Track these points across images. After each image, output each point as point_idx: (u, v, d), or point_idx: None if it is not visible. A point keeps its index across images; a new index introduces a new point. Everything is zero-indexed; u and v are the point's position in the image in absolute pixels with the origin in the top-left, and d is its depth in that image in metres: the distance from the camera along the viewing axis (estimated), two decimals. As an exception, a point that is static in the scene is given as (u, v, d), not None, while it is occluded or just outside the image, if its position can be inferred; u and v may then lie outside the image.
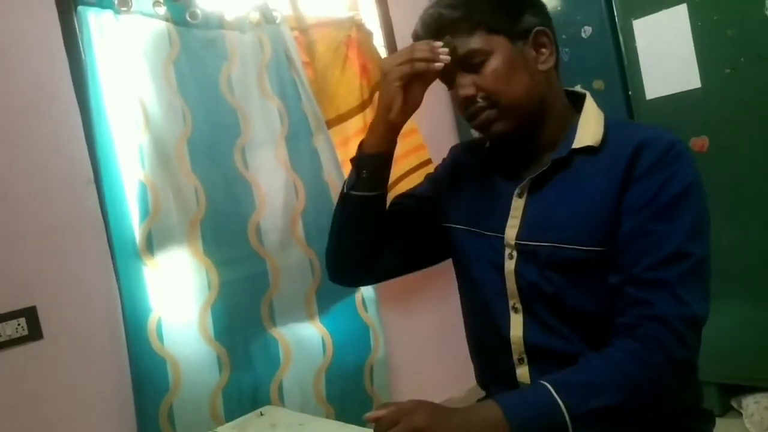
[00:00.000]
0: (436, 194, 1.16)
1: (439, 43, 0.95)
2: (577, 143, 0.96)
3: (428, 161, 2.47)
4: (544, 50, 0.99)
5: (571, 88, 1.06)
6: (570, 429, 0.80)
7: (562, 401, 0.80)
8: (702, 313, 0.86)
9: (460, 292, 1.14)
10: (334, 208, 1.14)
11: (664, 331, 0.83)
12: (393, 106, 0.98)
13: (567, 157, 0.96)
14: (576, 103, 1.03)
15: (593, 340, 0.91)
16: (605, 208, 0.91)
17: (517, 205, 1.00)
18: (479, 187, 1.08)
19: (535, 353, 0.97)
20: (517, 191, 1.00)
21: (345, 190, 1.07)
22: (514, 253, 0.98)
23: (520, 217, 0.99)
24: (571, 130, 0.98)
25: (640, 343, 0.84)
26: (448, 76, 0.99)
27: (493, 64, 0.95)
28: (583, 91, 1.04)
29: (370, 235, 1.09)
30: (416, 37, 1.01)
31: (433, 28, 0.97)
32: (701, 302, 0.86)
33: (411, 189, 1.22)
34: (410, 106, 1.00)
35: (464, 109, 0.99)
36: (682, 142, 0.92)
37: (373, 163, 1.04)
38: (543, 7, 1.02)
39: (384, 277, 1.18)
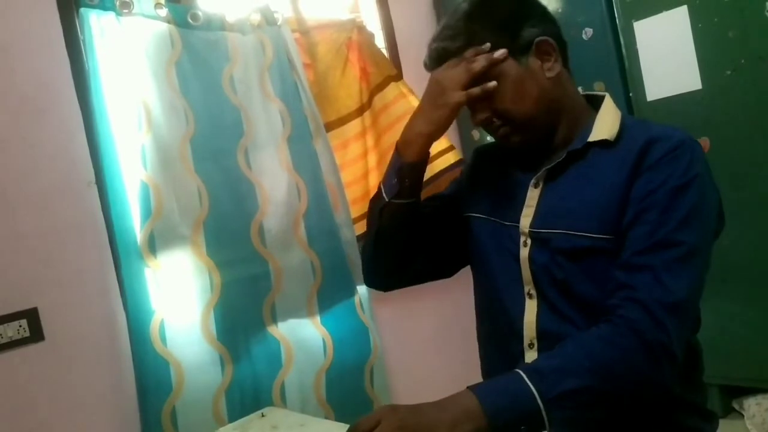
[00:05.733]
0: (459, 193, 1.20)
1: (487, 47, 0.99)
2: (593, 137, 1.00)
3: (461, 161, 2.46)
4: (548, 57, 1.01)
5: (590, 92, 1.09)
6: (543, 413, 0.81)
7: (534, 386, 0.82)
8: (686, 301, 0.87)
9: (475, 282, 1.16)
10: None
11: (640, 314, 0.85)
12: (445, 119, 1.03)
13: (582, 149, 1.00)
14: (595, 104, 1.05)
15: None
16: (615, 199, 0.93)
17: (533, 195, 1.03)
18: (498, 181, 1.12)
19: (545, 338, 0.99)
20: (533, 182, 1.04)
21: (386, 199, 1.09)
22: (528, 241, 1.01)
23: (534, 207, 1.02)
24: (587, 126, 1.02)
25: (614, 326, 0.86)
26: (470, 103, 1.03)
27: (501, 86, 0.98)
28: (602, 93, 1.07)
29: (408, 240, 1.13)
30: (427, 69, 1.06)
31: (438, 62, 1.03)
32: (687, 290, 0.87)
33: (437, 192, 1.25)
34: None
35: (482, 127, 1.05)
36: (694, 140, 0.95)
37: (414, 171, 1.08)
38: (542, 13, 1.04)
39: (414, 281, 1.21)
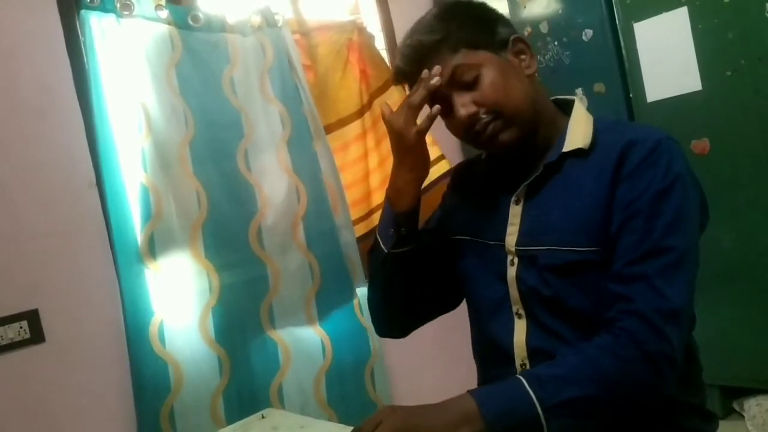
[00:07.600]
0: (443, 220, 1.19)
1: (427, 72, 0.96)
2: (567, 147, 0.98)
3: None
4: (524, 56, 1.01)
5: (558, 96, 1.08)
6: (543, 420, 0.81)
7: (534, 393, 0.82)
8: (683, 306, 0.87)
9: (467, 302, 1.15)
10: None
11: (640, 325, 0.85)
12: (418, 159, 1.03)
13: (558, 161, 0.98)
14: (564, 110, 1.04)
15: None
16: (598, 209, 0.92)
17: (515, 212, 1.02)
18: (479, 201, 1.10)
19: (536, 357, 0.97)
20: (513, 199, 1.02)
21: (386, 250, 1.08)
22: (515, 260, 1.00)
23: (518, 224, 1.01)
24: (561, 135, 1.01)
25: (615, 337, 0.86)
26: (442, 103, 0.99)
27: (487, 76, 0.96)
28: (570, 97, 1.06)
29: (414, 284, 1.12)
30: (398, 71, 1.03)
31: (413, 57, 0.98)
32: (682, 295, 0.87)
33: (425, 224, 1.22)
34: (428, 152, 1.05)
35: (467, 130, 0.99)
36: (672, 140, 0.93)
37: (409, 219, 1.07)
38: (509, 20, 1.05)
39: (426, 320, 1.20)
